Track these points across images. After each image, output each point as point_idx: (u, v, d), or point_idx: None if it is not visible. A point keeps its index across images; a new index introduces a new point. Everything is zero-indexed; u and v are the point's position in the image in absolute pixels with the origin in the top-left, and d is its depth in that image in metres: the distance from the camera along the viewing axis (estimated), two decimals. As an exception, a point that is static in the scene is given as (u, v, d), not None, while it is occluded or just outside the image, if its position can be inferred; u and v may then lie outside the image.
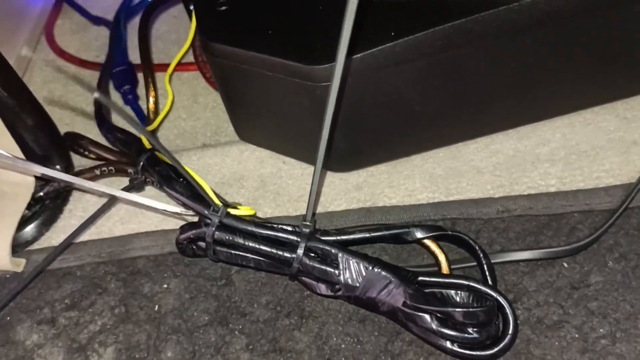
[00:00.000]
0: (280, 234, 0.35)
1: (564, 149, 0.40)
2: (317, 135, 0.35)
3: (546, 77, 0.39)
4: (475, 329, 0.32)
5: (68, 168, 0.43)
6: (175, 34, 0.57)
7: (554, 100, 0.41)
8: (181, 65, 0.53)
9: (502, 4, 0.34)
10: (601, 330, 0.34)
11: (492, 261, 0.36)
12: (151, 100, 0.47)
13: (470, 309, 0.32)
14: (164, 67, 0.51)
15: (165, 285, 0.39)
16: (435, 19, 0.34)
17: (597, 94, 0.41)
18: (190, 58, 0.53)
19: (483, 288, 0.33)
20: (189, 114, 0.51)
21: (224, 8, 0.39)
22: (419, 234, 0.36)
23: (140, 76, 0.51)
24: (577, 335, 0.34)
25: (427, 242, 0.36)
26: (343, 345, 0.35)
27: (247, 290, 0.38)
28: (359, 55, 0.34)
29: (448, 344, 0.32)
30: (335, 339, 0.36)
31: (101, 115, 0.47)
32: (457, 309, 0.32)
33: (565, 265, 0.37)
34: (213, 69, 0.40)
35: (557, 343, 0.34)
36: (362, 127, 0.38)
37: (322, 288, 0.35)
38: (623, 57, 0.39)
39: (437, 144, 0.41)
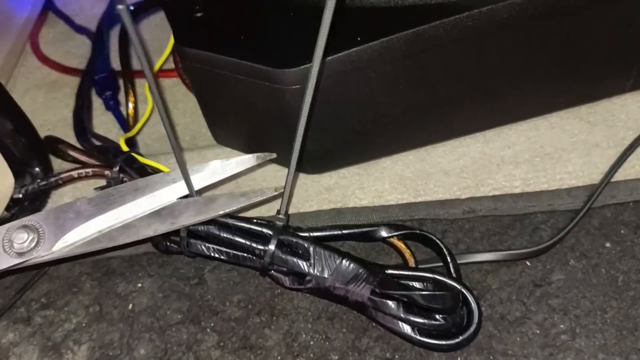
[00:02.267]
0: (254, 227, 0.36)
1: (528, 152, 0.41)
2: (289, 138, 0.37)
3: (510, 81, 0.40)
4: (441, 316, 0.33)
5: (47, 171, 0.44)
6: (157, 42, 0.58)
7: (519, 105, 0.42)
8: (162, 72, 0.54)
9: (463, 11, 0.35)
10: (562, 326, 0.35)
11: (460, 262, 0.37)
12: (130, 106, 0.48)
13: (435, 292, 0.33)
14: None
15: (139, 285, 0.39)
16: (400, 25, 0.35)
17: (561, 99, 0.43)
18: (171, 65, 0.54)
19: (448, 280, 0.34)
20: (168, 119, 0.51)
21: (199, 15, 0.40)
22: (386, 233, 0.37)
23: (122, 83, 0.52)
24: (538, 331, 0.35)
25: (394, 240, 0.37)
26: (312, 342, 0.36)
27: (219, 289, 0.39)
28: (326, 59, 0.35)
29: (414, 333, 0.33)
30: (304, 336, 0.36)
31: (80, 124, 0.48)
32: (422, 292, 0.33)
33: (528, 264, 0.38)
34: (188, 73, 0.41)
35: (519, 338, 0.35)
36: (331, 130, 0.40)
37: (293, 281, 0.36)
38: (585, 62, 0.41)
39: (406, 147, 0.43)
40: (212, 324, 0.37)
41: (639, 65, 0.42)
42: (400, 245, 0.37)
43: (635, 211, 0.39)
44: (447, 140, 0.43)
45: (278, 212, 0.37)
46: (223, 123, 0.44)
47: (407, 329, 0.34)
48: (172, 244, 0.38)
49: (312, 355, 0.36)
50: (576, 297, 0.36)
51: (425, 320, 0.33)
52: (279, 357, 0.36)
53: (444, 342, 0.33)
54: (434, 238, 0.37)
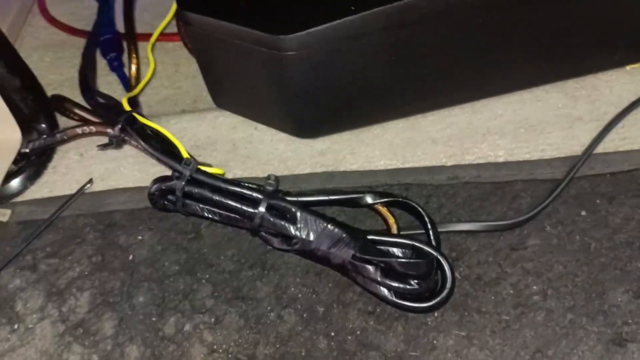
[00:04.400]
0: (245, 191, 0.38)
1: (513, 123, 0.43)
2: (286, 103, 0.38)
3: (499, 55, 0.42)
4: (415, 281, 0.35)
5: (52, 127, 0.46)
6: (162, 6, 0.59)
7: (506, 77, 0.44)
8: (165, 36, 0.56)
9: (453, -16, 0.36)
10: (534, 287, 0.37)
11: (441, 230, 0.39)
12: (133, 67, 0.49)
13: (411, 260, 0.35)
14: (148, 37, 0.53)
15: (139, 237, 0.42)
16: (393, -4, 0.37)
17: (548, 73, 0.44)
18: (175, 29, 0.56)
19: (425, 247, 0.36)
20: (171, 82, 0.53)
21: (201, -20, 0.41)
22: (372, 199, 0.39)
23: (126, 45, 0.54)
24: (512, 292, 0.37)
25: (379, 207, 0.39)
26: (300, 295, 0.39)
27: (214, 244, 0.41)
28: (320, 27, 0.37)
29: (390, 295, 0.36)
30: (293, 289, 0.39)
31: (85, 82, 0.49)
32: (399, 259, 0.35)
33: (507, 228, 0.40)
34: (188, 37, 0.43)
35: (493, 297, 0.37)
36: (325, 97, 0.41)
37: (281, 242, 0.38)
38: (571, 38, 0.42)
39: (396, 115, 0.44)
40: (207, 276, 0.40)
41: (625, 42, 0.43)
42: (385, 212, 0.39)
43: (611, 183, 0.41)
44: (437, 110, 0.44)
45: (269, 177, 0.38)
46: (222, 87, 0.46)
47: (384, 291, 0.36)
48: (169, 203, 0.40)
49: (299, 306, 0.38)
50: (550, 262, 0.38)
51: (401, 285, 0.35)
52: (269, 308, 0.38)
53: (418, 305, 0.36)
54: (417, 206, 0.39)
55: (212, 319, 0.38)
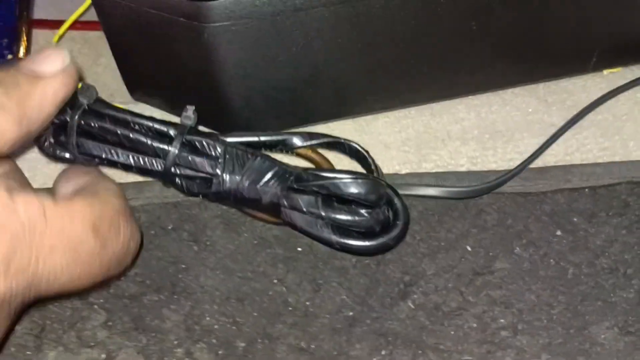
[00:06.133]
0: (156, 125, 0.31)
1: (477, 128, 0.37)
2: (211, 91, 0.32)
3: (464, 51, 0.36)
4: (365, 210, 0.29)
5: None
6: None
7: (471, 77, 0.38)
8: (86, 24, 0.49)
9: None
10: (502, 320, 0.31)
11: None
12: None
13: (358, 178, 0.30)
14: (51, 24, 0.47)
15: (20, 251, 0.34)
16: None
17: (518, 75, 0.39)
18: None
19: (373, 178, 0.31)
20: (87, 75, 0.47)
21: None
22: (301, 141, 0.33)
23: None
24: (476, 325, 0.31)
25: (309, 152, 0.34)
26: (216, 326, 0.31)
27: (114, 261, 0.33)
28: (252, -5, 0.30)
29: (333, 234, 0.30)
30: (208, 318, 0.32)
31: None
32: (343, 180, 0.29)
33: (469, 249, 0.33)
34: (98, 11, 0.36)
35: (453, 332, 0.31)
36: (260, 86, 0.35)
37: (201, 186, 0.31)
38: (546, 38, 0.37)
39: (343, 114, 0.38)
40: (102, 300, 0.32)
41: (601, 47, 0.38)
42: (318, 157, 0.34)
43: (590, 198, 0.35)
44: (391, 111, 0.38)
45: (186, 109, 0.32)
46: (139, 75, 0.39)
47: (325, 231, 0.30)
48: (60, 147, 0.32)
49: (214, 341, 0.31)
50: (521, 290, 0.32)
51: (347, 217, 0.29)
52: (176, 342, 0.31)
53: (367, 243, 0.30)
54: (360, 149, 0.33)
55: (103, 355, 0.30)
